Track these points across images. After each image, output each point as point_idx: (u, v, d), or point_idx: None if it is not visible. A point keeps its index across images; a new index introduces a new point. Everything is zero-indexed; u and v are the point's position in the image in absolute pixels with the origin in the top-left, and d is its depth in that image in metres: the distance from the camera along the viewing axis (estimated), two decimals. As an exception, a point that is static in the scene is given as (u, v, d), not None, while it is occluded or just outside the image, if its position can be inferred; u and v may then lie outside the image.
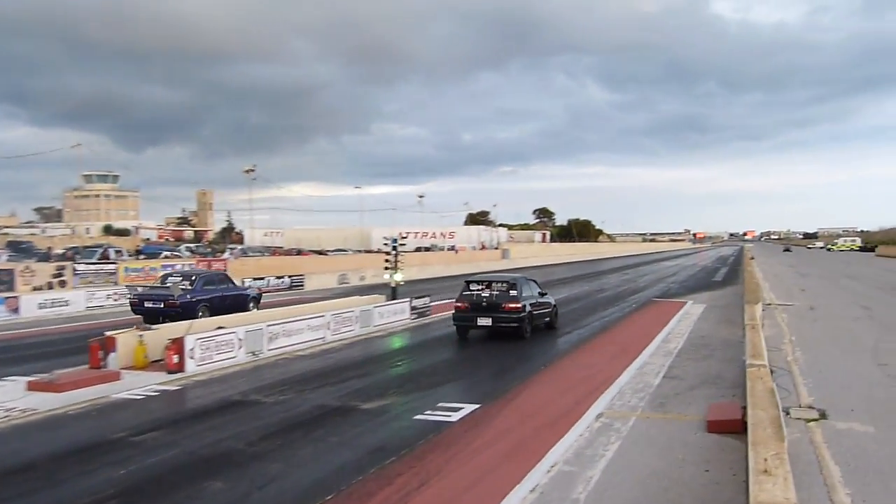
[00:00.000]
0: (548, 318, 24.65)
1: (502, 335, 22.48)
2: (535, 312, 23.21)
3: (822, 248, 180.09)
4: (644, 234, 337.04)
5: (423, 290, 36.65)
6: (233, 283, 30.48)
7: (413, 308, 28.06)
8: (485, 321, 22.31)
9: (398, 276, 31.91)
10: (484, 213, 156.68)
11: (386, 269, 32.30)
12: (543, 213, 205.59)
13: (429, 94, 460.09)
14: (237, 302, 28.99)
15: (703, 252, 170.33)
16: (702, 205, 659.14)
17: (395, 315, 26.89)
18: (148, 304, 26.63)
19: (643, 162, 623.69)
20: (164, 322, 23.73)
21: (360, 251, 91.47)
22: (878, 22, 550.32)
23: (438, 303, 33.02)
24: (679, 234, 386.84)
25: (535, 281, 24.97)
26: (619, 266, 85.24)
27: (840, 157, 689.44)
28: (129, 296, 27.93)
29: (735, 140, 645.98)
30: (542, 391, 14.44)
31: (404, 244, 34.80)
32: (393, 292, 31.11)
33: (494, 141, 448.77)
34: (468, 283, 23.41)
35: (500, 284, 22.98)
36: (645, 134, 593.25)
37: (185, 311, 25.82)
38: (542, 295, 24.50)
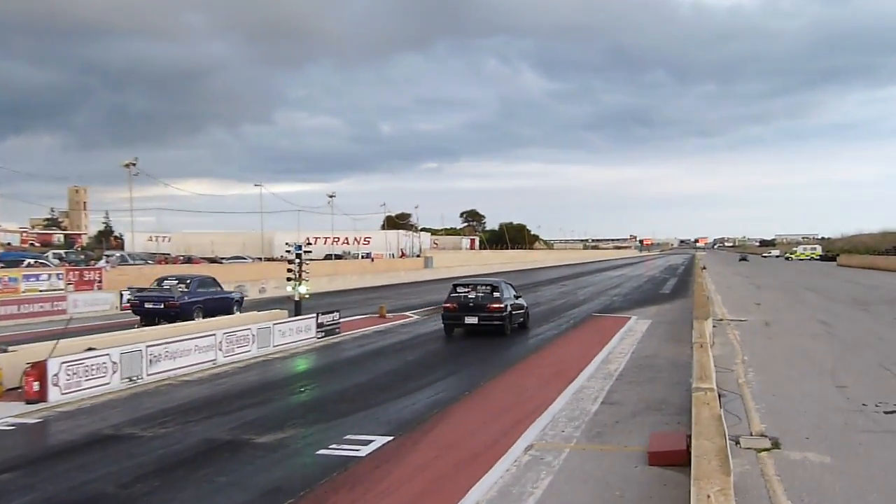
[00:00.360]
0: (521, 319, 30.48)
1: (484, 333, 27.81)
2: (513, 313, 29.17)
3: (779, 256, 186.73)
4: (585, 241, 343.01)
5: (333, 304, 36.48)
6: (220, 286, 34.99)
7: (320, 325, 27.85)
8: (471, 319, 28.27)
9: (303, 289, 31.62)
10: (404, 216, 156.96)
11: (289, 279, 31.98)
12: (472, 217, 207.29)
13: (341, 78, 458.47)
14: (224, 304, 33.48)
15: (650, 261, 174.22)
16: (649, 208, 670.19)
17: (299, 333, 26.64)
18: (148, 305, 31.54)
19: (585, 159, 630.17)
20: (160, 323, 28.95)
21: (260, 259, 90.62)
22: (840, 8, 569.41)
23: (350, 319, 32.87)
24: (624, 240, 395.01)
25: (511, 285, 30.73)
26: (557, 276, 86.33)
27: (799, 157, 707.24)
28: (129, 297, 33.43)
29: (685, 136, 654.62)
30: (465, 420, 14.48)
31: (310, 251, 34.60)
32: (297, 307, 30.82)
33: (417, 134, 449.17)
34: (455, 286, 29.52)
35: (484, 287, 29.14)
36: (586, 128, 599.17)
37: (182, 312, 30.75)
38: (517, 297, 30.33)
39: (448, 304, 28.70)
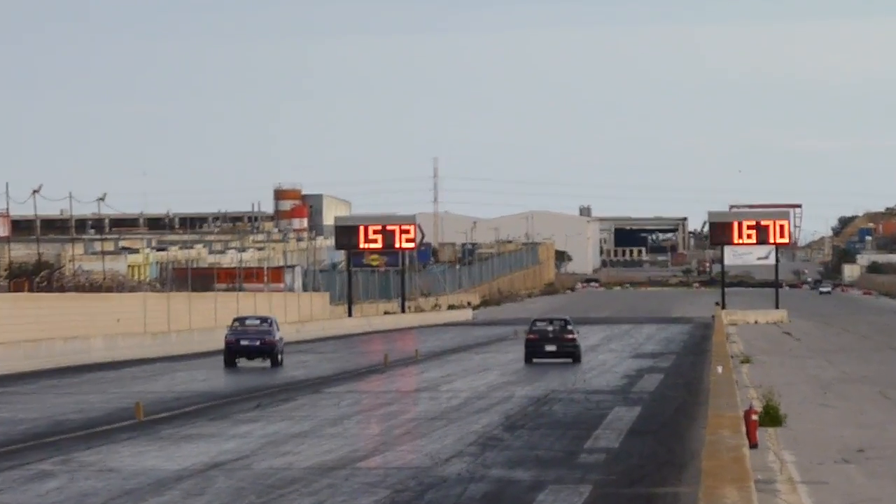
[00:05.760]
0: (579, 348, 40.77)
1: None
2: (579, 344, 39.97)
3: None
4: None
5: None
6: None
7: None
8: (551, 347, 38.89)
9: None
10: None
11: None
12: None
13: None
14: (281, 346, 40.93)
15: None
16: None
17: None
18: (244, 342, 39.36)
19: None
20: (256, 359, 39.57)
21: None
22: None
23: None
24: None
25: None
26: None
27: None
28: (226, 335, 40.03)
29: None
30: None
31: None
32: None
33: None
34: (535, 321, 41.41)
35: (558, 321, 40.74)
36: None
37: (272, 348, 39.01)
38: (577, 332, 40.71)
39: (531, 336, 39.52)
